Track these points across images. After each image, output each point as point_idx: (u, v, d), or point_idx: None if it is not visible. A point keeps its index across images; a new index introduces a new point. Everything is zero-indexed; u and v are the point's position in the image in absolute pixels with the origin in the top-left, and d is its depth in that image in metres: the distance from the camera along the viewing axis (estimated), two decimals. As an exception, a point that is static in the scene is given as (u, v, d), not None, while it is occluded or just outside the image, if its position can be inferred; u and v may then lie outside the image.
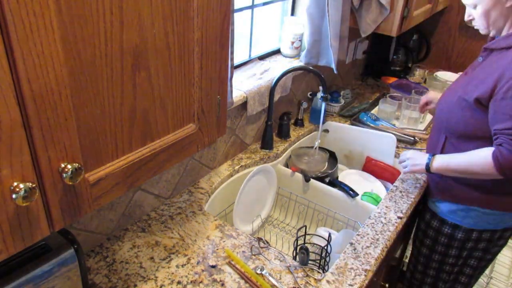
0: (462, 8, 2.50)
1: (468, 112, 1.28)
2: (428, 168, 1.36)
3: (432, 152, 1.40)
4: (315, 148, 1.75)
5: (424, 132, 1.91)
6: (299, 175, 1.66)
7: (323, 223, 1.64)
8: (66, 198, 0.64)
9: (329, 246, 1.20)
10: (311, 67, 1.62)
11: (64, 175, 0.61)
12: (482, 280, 2.37)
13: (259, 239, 1.21)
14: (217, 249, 1.19)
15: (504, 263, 2.50)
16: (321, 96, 1.63)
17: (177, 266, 1.13)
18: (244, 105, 1.55)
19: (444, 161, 1.33)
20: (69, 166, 0.61)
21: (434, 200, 1.49)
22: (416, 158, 1.41)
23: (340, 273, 1.13)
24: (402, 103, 2.01)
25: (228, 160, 1.61)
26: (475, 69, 1.33)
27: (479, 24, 1.30)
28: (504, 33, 1.27)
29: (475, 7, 1.28)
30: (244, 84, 1.56)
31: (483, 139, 1.26)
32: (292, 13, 1.93)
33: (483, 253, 1.49)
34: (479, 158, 1.22)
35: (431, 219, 1.52)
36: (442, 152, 1.40)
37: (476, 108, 1.26)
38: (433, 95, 1.71)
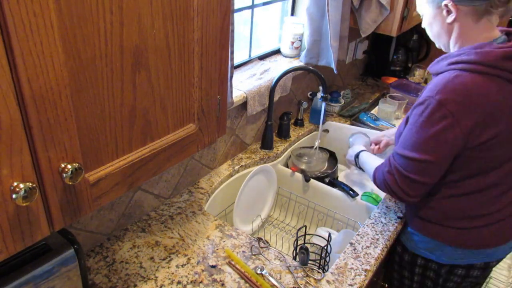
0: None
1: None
2: (356, 162, 1.45)
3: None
4: (315, 148, 1.75)
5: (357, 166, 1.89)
6: (299, 175, 1.66)
7: (323, 223, 1.64)
8: (66, 198, 0.64)
9: (329, 246, 1.20)
10: (311, 67, 1.62)
11: (64, 175, 0.61)
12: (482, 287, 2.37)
13: (259, 239, 1.21)
14: (217, 249, 1.19)
15: (504, 263, 2.50)
16: (321, 96, 1.63)
17: (177, 266, 1.13)
18: (244, 105, 1.55)
19: (362, 161, 1.40)
20: (69, 166, 0.61)
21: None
22: (350, 151, 1.49)
23: (340, 273, 1.13)
24: (402, 103, 2.01)
25: (228, 160, 1.61)
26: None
27: (429, 36, 1.23)
28: (451, 50, 1.16)
29: (422, 16, 1.21)
30: (244, 84, 1.56)
31: None
32: (292, 13, 1.93)
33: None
34: (371, 168, 1.28)
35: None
36: None
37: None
38: (392, 132, 1.60)
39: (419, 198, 1.17)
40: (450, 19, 1.10)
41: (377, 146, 1.58)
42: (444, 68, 1.09)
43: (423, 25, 1.23)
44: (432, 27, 1.18)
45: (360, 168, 1.44)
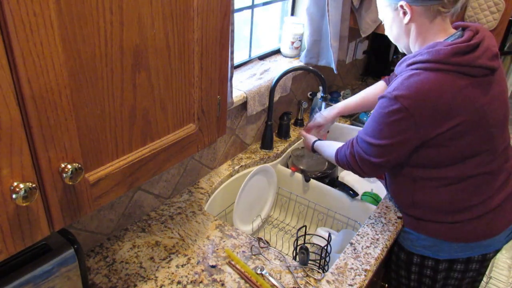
0: (462, 8, 2.49)
1: None
2: (313, 150, 1.55)
3: None
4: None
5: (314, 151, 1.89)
6: (299, 175, 1.66)
7: (323, 223, 1.64)
8: (66, 198, 0.64)
9: (329, 246, 1.20)
10: (311, 67, 1.62)
11: (64, 175, 0.61)
12: (482, 280, 2.37)
13: (259, 239, 1.21)
14: (217, 249, 1.19)
15: (504, 263, 2.50)
16: (321, 96, 1.63)
17: (177, 266, 1.13)
18: (244, 105, 1.55)
19: (319, 148, 1.51)
20: (69, 166, 0.61)
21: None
22: (307, 139, 1.58)
23: (340, 273, 1.13)
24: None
25: (228, 160, 1.61)
26: None
27: (391, 40, 1.30)
28: (412, 51, 1.23)
29: (383, 21, 1.29)
30: (244, 84, 1.56)
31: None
32: (292, 13, 1.93)
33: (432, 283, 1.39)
34: (331, 150, 1.38)
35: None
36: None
37: None
38: (323, 118, 1.63)
39: (374, 175, 1.32)
40: (406, 19, 1.17)
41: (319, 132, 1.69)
42: (403, 69, 1.17)
43: (386, 32, 1.31)
44: (392, 30, 1.27)
45: (314, 152, 1.55)
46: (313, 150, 1.54)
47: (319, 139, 1.55)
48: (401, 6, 1.16)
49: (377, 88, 1.64)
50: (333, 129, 1.98)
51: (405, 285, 1.43)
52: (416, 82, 1.09)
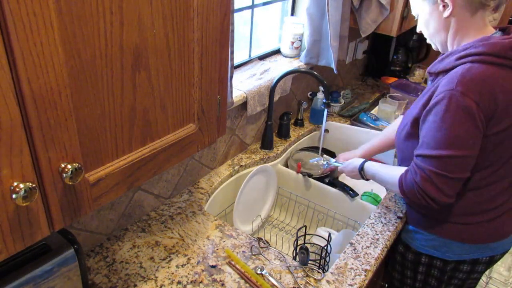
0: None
1: (410, 140, 1.22)
2: (362, 176, 1.38)
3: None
4: (320, 154, 1.75)
5: (365, 178, 1.88)
6: (299, 175, 1.66)
7: (323, 223, 1.64)
8: (66, 198, 0.64)
9: (329, 246, 1.20)
10: (315, 72, 1.58)
11: (64, 175, 0.61)
12: (482, 280, 2.38)
13: (259, 239, 1.21)
14: (217, 249, 1.19)
15: (504, 263, 2.50)
16: (323, 102, 1.59)
17: (177, 266, 1.13)
18: (244, 105, 1.55)
19: (371, 172, 1.34)
20: (69, 166, 0.61)
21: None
22: (349, 165, 1.42)
23: (340, 273, 1.13)
24: (402, 103, 2.01)
25: (228, 160, 1.61)
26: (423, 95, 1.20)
27: (426, 36, 1.23)
28: (449, 49, 1.17)
29: (417, 16, 1.22)
30: (244, 84, 1.56)
31: None
32: (292, 13, 1.93)
33: (438, 283, 1.37)
34: (392, 177, 1.20)
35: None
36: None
37: (413, 133, 1.19)
38: (351, 156, 1.56)
39: (453, 199, 1.12)
40: (447, 13, 1.11)
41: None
42: (452, 63, 1.09)
43: (418, 28, 1.24)
44: (429, 25, 1.19)
45: (366, 179, 1.39)
46: (363, 176, 1.37)
47: (365, 160, 1.37)
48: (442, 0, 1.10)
49: (397, 124, 1.44)
50: (332, 129, 1.98)
51: (410, 285, 1.42)
52: (480, 75, 1.02)
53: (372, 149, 1.55)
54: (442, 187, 1.07)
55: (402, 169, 1.18)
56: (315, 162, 1.62)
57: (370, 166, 1.34)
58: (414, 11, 1.23)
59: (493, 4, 1.09)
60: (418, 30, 1.25)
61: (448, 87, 1.03)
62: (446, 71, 1.10)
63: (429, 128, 1.08)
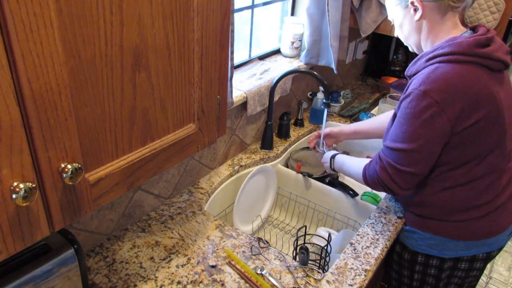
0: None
1: None
2: (331, 167, 1.46)
3: None
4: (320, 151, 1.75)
5: (332, 170, 1.88)
6: (299, 175, 1.66)
7: (323, 223, 1.64)
8: (66, 198, 0.64)
9: (329, 246, 1.20)
10: (315, 72, 1.59)
11: (64, 175, 0.61)
12: (482, 280, 2.38)
13: (259, 239, 1.21)
14: (217, 249, 1.19)
15: (504, 263, 2.50)
16: (323, 102, 1.59)
17: (177, 266, 1.13)
18: (244, 105, 1.55)
19: (340, 162, 1.42)
20: (69, 166, 0.61)
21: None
22: (324, 157, 1.51)
23: (340, 273, 1.13)
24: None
25: (228, 160, 1.61)
26: None
27: (402, 40, 1.29)
28: (424, 50, 1.22)
29: (393, 21, 1.28)
30: (244, 84, 1.56)
31: None
32: (292, 13, 1.93)
33: (436, 281, 1.38)
34: (358, 166, 1.29)
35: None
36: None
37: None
38: (338, 130, 1.66)
39: (412, 190, 1.22)
40: (417, 16, 1.16)
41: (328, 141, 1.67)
42: (423, 65, 1.14)
43: (395, 32, 1.30)
44: (402, 29, 1.25)
45: (334, 171, 1.47)
46: (331, 165, 1.45)
47: (338, 153, 1.46)
48: (412, 3, 1.16)
49: (389, 115, 1.49)
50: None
51: (407, 285, 1.43)
52: (444, 74, 1.06)
53: (361, 131, 1.61)
54: (395, 178, 1.16)
55: (367, 161, 1.27)
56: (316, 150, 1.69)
57: (340, 157, 1.43)
58: (389, 16, 1.30)
59: (462, 6, 1.14)
60: (395, 35, 1.31)
61: (414, 87, 1.09)
62: (418, 73, 1.15)
63: (395, 123, 1.15)
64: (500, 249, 1.35)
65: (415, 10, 1.17)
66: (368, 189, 1.70)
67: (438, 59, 1.10)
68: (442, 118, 1.07)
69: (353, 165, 1.34)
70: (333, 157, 1.46)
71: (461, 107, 1.06)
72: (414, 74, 1.17)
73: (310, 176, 1.63)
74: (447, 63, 1.08)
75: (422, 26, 1.18)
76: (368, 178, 1.23)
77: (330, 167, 1.46)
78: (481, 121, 1.09)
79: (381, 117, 1.58)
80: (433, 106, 1.06)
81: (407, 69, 1.23)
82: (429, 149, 1.12)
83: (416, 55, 1.24)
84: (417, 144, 1.10)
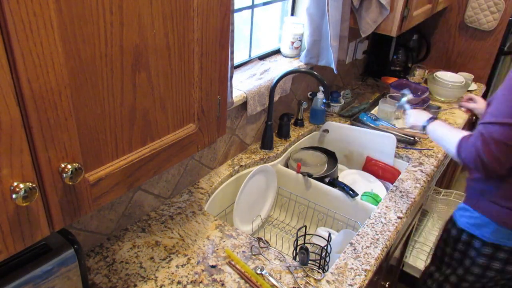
0: (462, 8, 2.50)
1: None
2: (423, 128, 1.44)
3: None
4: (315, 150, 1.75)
5: (423, 132, 1.91)
6: (299, 175, 1.66)
7: (323, 223, 1.64)
8: (66, 198, 0.64)
9: (329, 246, 1.20)
10: (315, 72, 1.59)
11: (64, 175, 0.61)
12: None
13: (259, 239, 1.21)
14: (217, 249, 1.19)
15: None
16: (323, 102, 1.60)
17: (177, 266, 1.13)
18: (244, 105, 1.55)
19: (436, 125, 1.39)
20: (69, 166, 0.61)
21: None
22: (420, 112, 1.49)
23: (340, 273, 1.13)
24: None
25: (228, 160, 1.61)
26: None
27: None
28: None
29: None
30: (244, 84, 1.56)
31: None
32: (292, 13, 1.93)
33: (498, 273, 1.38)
34: (454, 136, 1.25)
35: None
36: None
37: None
38: (481, 103, 1.63)
39: (504, 171, 1.16)
40: None
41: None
42: None
43: None
44: None
45: (423, 130, 1.45)
46: (427, 122, 1.43)
47: (435, 118, 1.42)
48: None
49: None
50: (332, 129, 1.98)
51: (446, 263, 1.45)
52: None
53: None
54: (497, 154, 1.11)
55: (466, 133, 1.22)
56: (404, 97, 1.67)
57: (440, 121, 1.40)
58: None
59: None
60: None
61: None
62: None
63: (497, 100, 1.12)
64: None
65: None
66: (368, 189, 1.70)
67: None
68: None
69: (450, 134, 1.29)
70: (434, 118, 1.43)
71: None
72: None
73: (310, 176, 1.63)
74: None
75: None
76: (463, 151, 1.19)
77: (425, 124, 1.43)
78: None
79: None
80: None
81: None
82: None
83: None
84: None
